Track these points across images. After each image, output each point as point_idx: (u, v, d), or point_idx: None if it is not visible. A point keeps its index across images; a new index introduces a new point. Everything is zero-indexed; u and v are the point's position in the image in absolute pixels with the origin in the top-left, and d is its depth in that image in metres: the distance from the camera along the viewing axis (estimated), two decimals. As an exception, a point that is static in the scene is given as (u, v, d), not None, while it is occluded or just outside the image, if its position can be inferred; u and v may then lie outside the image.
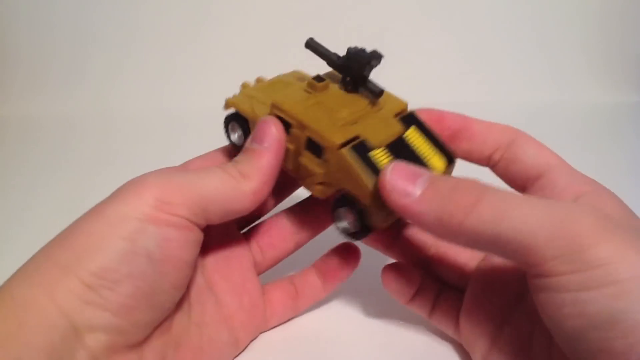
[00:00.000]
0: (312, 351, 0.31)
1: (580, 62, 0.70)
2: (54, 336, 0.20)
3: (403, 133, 0.27)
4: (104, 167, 0.55)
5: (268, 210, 0.34)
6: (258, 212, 0.33)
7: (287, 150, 0.27)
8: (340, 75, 0.29)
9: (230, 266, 0.30)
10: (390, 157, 0.26)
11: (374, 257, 0.34)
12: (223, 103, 0.30)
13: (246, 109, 0.29)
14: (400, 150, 0.26)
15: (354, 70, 0.27)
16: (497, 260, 0.29)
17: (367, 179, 0.24)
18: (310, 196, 0.32)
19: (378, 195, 0.24)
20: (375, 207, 0.25)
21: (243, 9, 0.68)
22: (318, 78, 0.28)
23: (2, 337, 0.20)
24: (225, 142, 0.32)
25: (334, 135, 0.25)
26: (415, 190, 0.23)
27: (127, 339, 0.23)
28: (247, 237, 0.32)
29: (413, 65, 0.67)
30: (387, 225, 0.27)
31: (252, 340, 0.31)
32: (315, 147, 0.26)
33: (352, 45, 0.28)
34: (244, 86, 0.31)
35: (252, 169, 0.26)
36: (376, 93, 0.28)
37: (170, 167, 0.28)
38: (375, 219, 0.26)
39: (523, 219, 0.20)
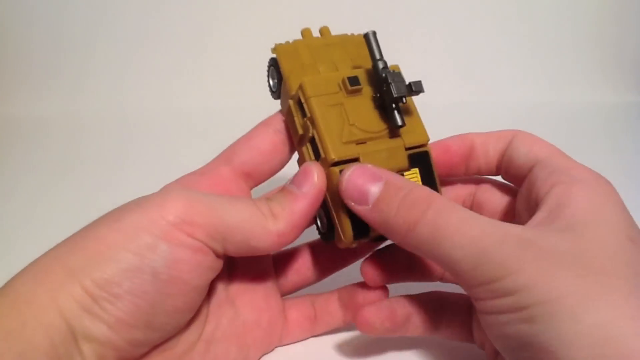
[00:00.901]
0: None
1: (579, 62, 0.70)
2: (56, 338, 0.20)
3: (404, 171, 0.27)
4: (113, 167, 0.55)
5: None
6: None
7: (295, 127, 0.27)
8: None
9: (255, 283, 0.29)
10: None
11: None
12: (272, 53, 0.29)
13: (286, 66, 0.28)
14: None
15: (383, 94, 0.26)
16: None
17: (345, 212, 0.25)
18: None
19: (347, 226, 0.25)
20: (341, 233, 0.26)
21: (252, 7, 0.68)
22: (353, 81, 0.27)
23: (6, 333, 0.20)
24: (225, 143, 0.30)
25: (334, 150, 0.25)
26: (369, 196, 0.24)
27: (120, 354, 0.22)
28: (274, 258, 0.31)
29: (409, 65, 0.67)
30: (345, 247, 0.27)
31: (261, 356, 0.30)
32: (315, 148, 0.26)
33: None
34: (304, 34, 0.30)
35: (283, 211, 0.25)
36: (396, 125, 0.26)
37: (191, 177, 0.28)
38: (338, 242, 0.27)
39: (451, 248, 0.22)
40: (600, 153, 0.56)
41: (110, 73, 0.69)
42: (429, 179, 0.27)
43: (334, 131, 0.26)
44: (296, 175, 0.26)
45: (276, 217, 0.24)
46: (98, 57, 0.69)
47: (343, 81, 0.27)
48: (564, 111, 0.66)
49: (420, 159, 0.27)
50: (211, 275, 0.24)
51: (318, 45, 0.29)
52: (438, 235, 0.22)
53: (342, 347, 0.31)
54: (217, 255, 0.24)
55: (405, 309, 0.28)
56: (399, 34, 0.68)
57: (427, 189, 0.24)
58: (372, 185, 0.24)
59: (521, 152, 0.27)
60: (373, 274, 0.28)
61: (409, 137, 0.27)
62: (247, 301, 0.28)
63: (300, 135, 0.27)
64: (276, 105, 0.31)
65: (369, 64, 0.28)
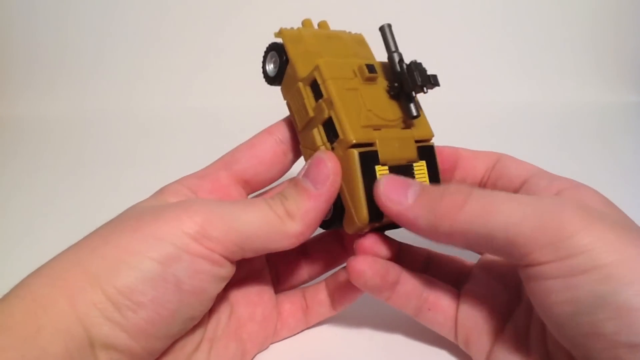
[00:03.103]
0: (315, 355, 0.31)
1: (577, 62, 0.71)
2: (71, 345, 0.20)
3: (414, 162, 0.27)
4: (120, 167, 0.55)
5: None
6: None
7: (305, 110, 0.27)
8: (390, 71, 0.28)
9: (249, 279, 0.30)
10: None
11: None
12: (277, 33, 0.29)
13: (292, 50, 0.28)
14: (403, 175, 0.26)
15: (404, 84, 0.27)
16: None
17: (360, 194, 0.25)
18: (327, 232, 0.32)
19: (362, 211, 0.25)
20: (355, 219, 0.26)
21: (258, 8, 0.69)
22: (371, 68, 0.27)
23: (20, 339, 0.19)
24: (231, 143, 0.30)
25: (354, 132, 0.25)
26: (407, 199, 0.24)
27: None
28: (267, 257, 0.32)
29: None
30: (352, 233, 0.27)
31: (259, 352, 0.31)
32: (331, 130, 0.26)
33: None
34: (305, 24, 0.30)
35: (300, 211, 0.24)
36: (411, 115, 0.27)
37: (191, 180, 0.28)
38: (348, 226, 0.27)
39: (508, 213, 0.21)
40: (597, 153, 0.56)
41: (117, 74, 0.69)
42: (434, 173, 0.28)
43: (352, 114, 0.25)
44: (310, 167, 0.25)
45: (293, 217, 0.24)
46: (105, 58, 0.69)
47: (360, 68, 0.27)
48: (562, 111, 0.66)
49: (426, 153, 0.28)
50: (224, 284, 0.25)
51: (321, 35, 0.30)
52: (492, 206, 0.22)
53: (335, 348, 0.32)
54: (234, 263, 0.24)
55: (395, 275, 0.28)
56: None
57: (460, 184, 0.25)
58: (408, 189, 0.24)
59: (512, 167, 0.28)
60: (368, 248, 0.28)
61: (417, 131, 0.28)
62: (240, 297, 0.29)
63: (309, 118, 0.27)
64: (280, 105, 0.31)
65: (370, 61, 0.28)
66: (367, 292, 0.28)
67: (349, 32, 0.31)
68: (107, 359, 0.21)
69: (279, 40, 0.29)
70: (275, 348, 0.31)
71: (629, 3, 0.69)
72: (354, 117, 0.25)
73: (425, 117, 0.29)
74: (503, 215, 0.21)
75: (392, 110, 0.27)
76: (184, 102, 0.69)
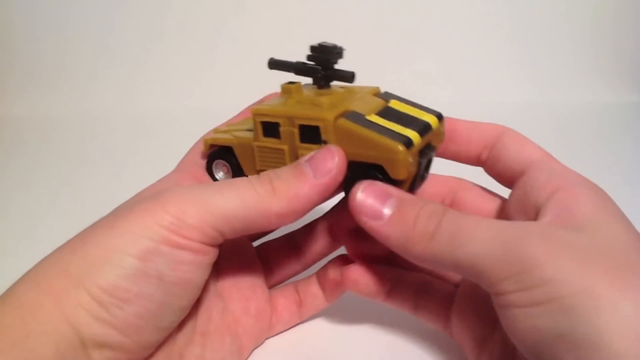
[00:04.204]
0: (314, 355, 0.31)
1: (576, 62, 0.71)
2: (62, 347, 0.20)
3: (386, 105, 0.28)
4: (123, 166, 0.55)
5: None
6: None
7: (283, 155, 0.27)
8: (309, 83, 0.29)
9: (240, 274, 0.30)
10: (385, 120, 0.26)
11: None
12: (208, 141, 0.30)
13: (228, 139, 0.29)
14: (391, 114, 0.26)
15: (325, 62, 0.28)
16: None
17: (377, 136, 0.24)
18: (317, 220, 0.32)
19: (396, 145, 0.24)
20: (396, 162, 0.24)
21: (259, 9, 0.69)
22: (289, 82, 0.28)
23: (10, 344, 0.19)
24: None
25: (324, 113, 0.25)
26: (384, 212, 0.24)
27: (131, 357, 0.22)
28: (258, 250, 0.32)
29: (405, 66, 0.68)
30: (412, 173, 0.26)
31: (256, 347, 0.31)
32: (310, 135, 0.26)
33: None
34: (215, 131, 0.31)
35: (288, 191, 0.24)
36: (349, 77, 0.27)
37: (172, 177, 0.28)
38: (399, 169, 0.25)
39: (475, 244, 0.21)
40: (597, 153, 0.57)
41: (117, 74, 0.70)
42: (409, 102, 0.28)
43: (311, 108, 0.26)
44: (316, 155, 0.25)
45: (278, 195, 0.23)
46: (106, 58, 0.70)
47: (283, 89, 0.28)
48: (562, 111, 0.67)
49: (389, 96, 0.29)
50: (209, 271, 0.24)
51: (233, 124, 0.32)
52: (459, 237, 0.22)
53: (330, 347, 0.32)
54: (216, 246, 0.24)
55: (390, 279, 0.28)
56: (393, 34, 0.69)
57: (438, 203, 0.24)
58: (385, 202, 0.24)
59: (511, 150, 0.27)
60: (355, 245, 0.28)
61: (366, 92, 0.29)
62: (234, 292, 0.29)
63: (289, 149, 0.27)
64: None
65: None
66: (364, 296, 0.28)
67: (247, 118, 0.32)
68: (102, 358, 0.21)
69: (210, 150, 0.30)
70: (272, 345, 0.31)
71: (629, 3, 0.69)
72: (314, 109, 0.26)
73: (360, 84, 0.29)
74: (469, 247, 0.21)
75: (334, 92, 0.28)
76: (184, 102, 0.69)
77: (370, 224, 0.24)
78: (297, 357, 0.31)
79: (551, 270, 0.19)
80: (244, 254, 0.31)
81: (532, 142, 0.27)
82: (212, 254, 0.24)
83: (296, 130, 0.26)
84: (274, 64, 0.29)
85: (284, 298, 0.32)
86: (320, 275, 0.31)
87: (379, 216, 0.24)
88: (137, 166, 0.55)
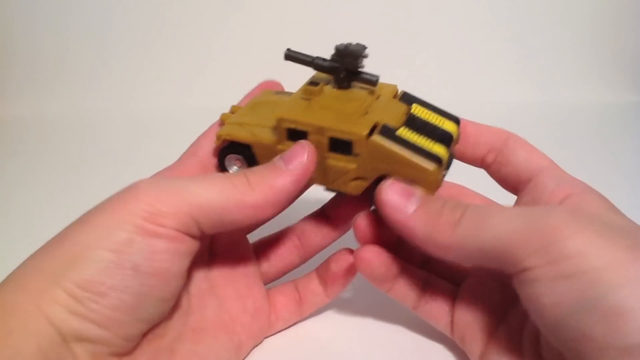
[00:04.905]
0: (314, 358, 0.31)
1: (576, 62, 0.70)
2: (44, 343, 0.20)
3: (410, 110, 0.28)
4: (122, 167, 0.55)
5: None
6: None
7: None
8: (326, 77, 0.29)
9: (236, 271, 0.30)
10: (413, 133, 0.26)
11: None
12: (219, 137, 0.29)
13: (246, 136, 0.28)
14: (417, 124, 0.27)
15: (349, 64, 0.28)
16: None
17: (411, 156, 0.25)
18: (315, 212, 0.32)
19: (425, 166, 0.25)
20: (429, 180, 0.26)
21: (259, 9, 0.69)
22: (312, 83, 0.29)
23: None
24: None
25: (358, 128, 0.26)
26: (408, 207, 0.25)
27: (114, 349, 0.23)
28: (255, 247, 0.32)
29: (405, 65, 0.68)
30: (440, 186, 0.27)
31: (256, 345, 0.31)
32: (341, 146, 0.26)
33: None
34: (225, 117, 0.31)
35: (263, 183, 0.24)
36: (374, 81, 0.28)
37: (164, 172, 0.28)
38: (431, 187, 0.26)
39: (500, 226, 0.22)
40: (597, 153, 0.57)
41: (117, 74, 0.70)
42: (429, 106, 0.29)
43: (341, 119, 0.27)
44: (288, 151, 0.26)
45: (253, 188, 0.24)
46: (105, 58, 0.70)
47: (305, 91, 0.28)
48: (562, 111, 0.67)
49: (408, 98, 0.29)
50: (189, 260, 0.25)
51: (244, 112, 0.31)
52: (484, 220, 0.23)
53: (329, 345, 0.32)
54: (194, 237, 0.24)
55: (398, 267, 0.28)
56: (394, 34, 0.69)
57: (457, 200, 0.25)
58: (409, 199, 0.25)
59: (520, 156, 0.28)
60: (365, 228, 0.28)
61: (385, 93, 0.29)
62: (229, 290, 0.29)
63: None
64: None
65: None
66: (371, 282, 0.28)
67: (257, 95, 0.32)
68: (84, 351, 0.21)
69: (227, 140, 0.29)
70: (271, 344, 0.32)
71: (629, 3, 0.69)
72: (344, 121, 0.26)
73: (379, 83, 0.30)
74: (495, 229, 0.22)
75: (357, 96, 0.28)
76: (184, 102, 0.69)
77: (397, 216, 0.25)
78: (296, 356, 0.31)
79: (577, 243, 0.20)
80: (239, 250, 0.31)
81: (538, 150, 0.28)
82: (188, 243, 0.24)
83: (326, 141, 0.26)
84: (291, 57, 0.29)
85: (283, 296, 0.32)
86: (321, 270, 0.31)
87: (404, 210, 0.25)
88: (137, 166, 0.55)
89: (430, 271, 0.31)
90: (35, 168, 0.57)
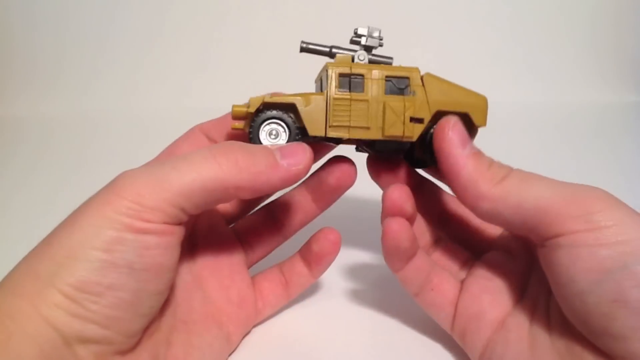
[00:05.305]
0: (306, 349, 0.31)
1: (577, 62, 0.71)
2: (45, 347, 0.20)
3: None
4: (121, 167, 0.54)
5: (256, 206, 0.33)
6: (246, 208, 0.33)
7: (366, 106, 0.28)
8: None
9: (219, 261, 0.30)
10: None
11: (371, 255, 0.34)
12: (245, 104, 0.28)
13: (291, 97, 0.27)
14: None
15: (367, 47, 0.29)
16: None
17: (465, 88, 0.28)
18: (294, 189, 0.32)
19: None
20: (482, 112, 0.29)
21: (259, 9, 0.69)
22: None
23: None
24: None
25: (411, 68, 0.28)
26: (465, 148, 0.26)
27: (117, 347, 0.22)
28: (235, 231, 0.32)
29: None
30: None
31: (245, 334, 0.31)
32: (397, 86, 0.28)
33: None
34: (237, 106, 0.29)
35: (251, 170, 0.24)
36: (389, 63, 0.30)
37: (150, 163, 0.28)
38: (484, 117, 0.29)
39: (543, 188, 0.24)
40: (597, 153, 0.56)
41: (117, 74, 0.70)
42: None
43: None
44: (288, 146, 0.26)
45: (240, 170, 0.24)
46: (105, 58, 0.70)
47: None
48: (562, 111, 0.67)
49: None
50: (179, 251, 0.24)
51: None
52: (528, 180, 0.24)
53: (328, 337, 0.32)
54: (182, 224, 0.24)
55: (416, 247, 0.28)
56: (395, 33, 0.69)
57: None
58: (466, 144, 0.26)
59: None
60: (397, 200, 0.27)
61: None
62: (213, 282, 0.29)
63: (370, 99, 0.28)
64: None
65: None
66: (388, 258, 0.28)
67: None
68: (88, 353, 0.21)
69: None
70: (271, 344, 0.31)
71: (629, 3, 0.69)
72: (399, 67, 0.29)
73: None
74: (538, 190, 0.24)
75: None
76: (184, 102, 0.69)
77: (454, 150, 0.26)
78: (297, 355, 0.31)
79: (617, 215, 0.22)
80: (219, 239, 0.31)
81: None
82: (178, 233, 0.24)
83: (382, 83, 0.28)
84: (307, 49, 0.30)
85: (268, 281, 0.32)
86: (304, 251, 0.31)
87: (461, 149, 0.26)
88: (136, 166, 0.55)
89: (446, 233, 0.32)
90: (35, 168, 0.57)
